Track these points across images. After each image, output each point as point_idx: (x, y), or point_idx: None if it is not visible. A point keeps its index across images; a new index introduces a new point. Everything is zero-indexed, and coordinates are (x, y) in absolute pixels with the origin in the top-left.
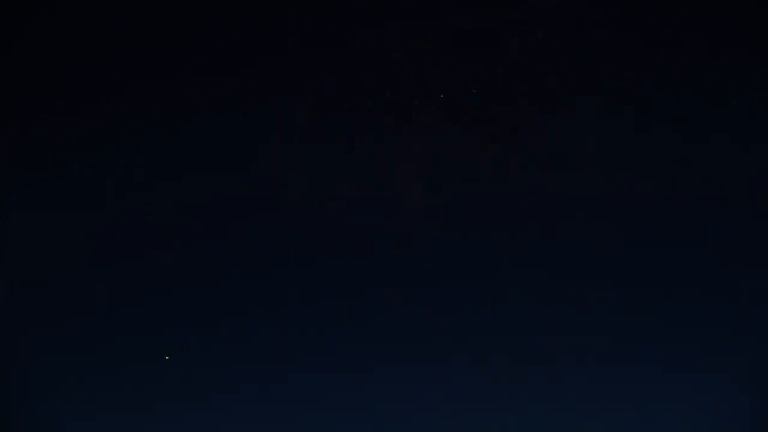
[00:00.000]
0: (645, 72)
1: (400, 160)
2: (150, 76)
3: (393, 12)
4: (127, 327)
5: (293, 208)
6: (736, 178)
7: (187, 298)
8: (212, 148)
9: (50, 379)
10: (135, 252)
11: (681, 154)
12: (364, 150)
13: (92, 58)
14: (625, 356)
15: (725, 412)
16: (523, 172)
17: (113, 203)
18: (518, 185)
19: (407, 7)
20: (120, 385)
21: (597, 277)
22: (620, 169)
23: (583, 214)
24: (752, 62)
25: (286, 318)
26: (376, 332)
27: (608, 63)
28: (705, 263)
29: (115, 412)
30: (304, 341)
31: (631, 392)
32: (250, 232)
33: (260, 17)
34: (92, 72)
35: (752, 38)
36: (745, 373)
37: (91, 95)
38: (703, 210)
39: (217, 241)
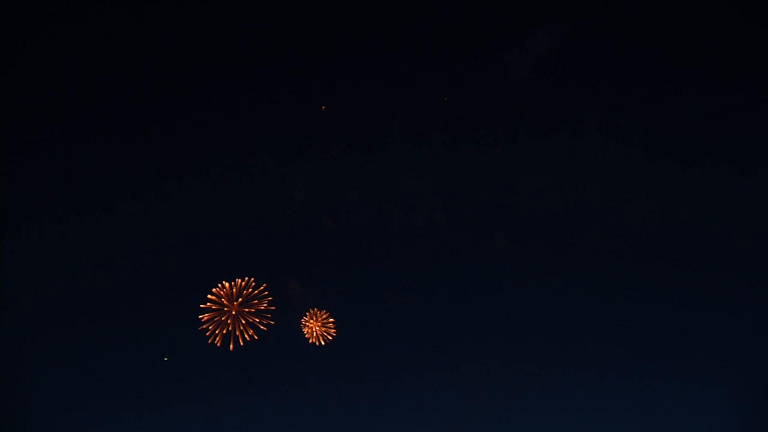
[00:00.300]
0: (648, 87)
1: (405, 168)
2: (151, 82)
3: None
4: (127, 328)
5: (296, 212)
6: (738, 190)
7: (187, 301)
8: (213, 152)
9: (50, 379)
10: (134, 254)
11: (685, 168)
12: (368, 155)
13: (93, 61)
14: (629, 362)
15: (725, 415)
16: (530, 179)
17: (113, 208)
18: (527, 193)
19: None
20: (119, 386)
21: (602, 286)
22: (626, 181)
23: (590, 225)
24: (754, 69)
25: (287, 320)
26: (378, 338)
27: (612, 77)
28: (705, 272)
29: (114, 412)
30: (306, 344)
31: (634, 397)
32: (254, 237)
33: (273, 29)
34: (93, 75)
35: (753, 48)
36: (743, 379)
37: (90, 99)
38: (706, 220)
39: (218, 244)
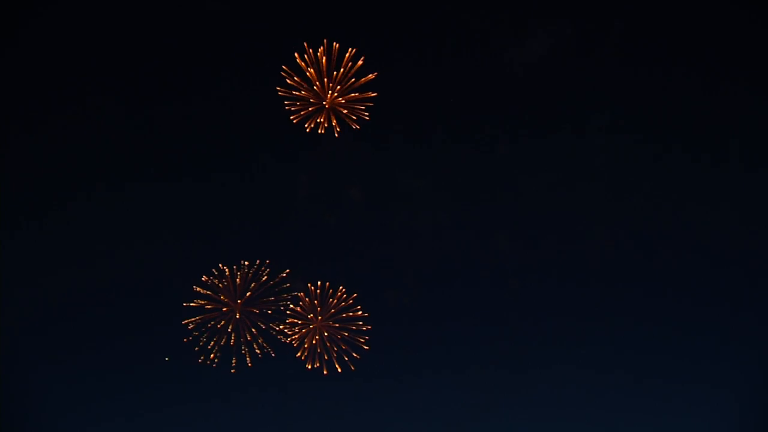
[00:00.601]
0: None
1: (409, 168)
2: (151, 82)
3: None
4: (128, 328)
5: (297, 211)
6: (741, 189)
7: (189, 301)
8: (213, 151)
9: (50, 380)
10: (136, 254)
11: (686, 167)
12: (370, 154)
13: (93, 61)
14: (631, 363)
15: (727, 416)
16: (535, 178)
17: (114, 207)
18: (531, 193)
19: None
20: (119, 386)
21: (605, 286)
22: (628, 181)
23: (592, 225)
24: (757, 68)
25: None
26: (379, 338)
27: (616, 80)
28: (707, 271)
29: (115, 412)
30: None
31: (637, 398)
32: (257, 236)
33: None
34: (93, 75)
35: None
36: (746, 379)
37: (90, 99)
38: (708, 219)
39: (220, 243)
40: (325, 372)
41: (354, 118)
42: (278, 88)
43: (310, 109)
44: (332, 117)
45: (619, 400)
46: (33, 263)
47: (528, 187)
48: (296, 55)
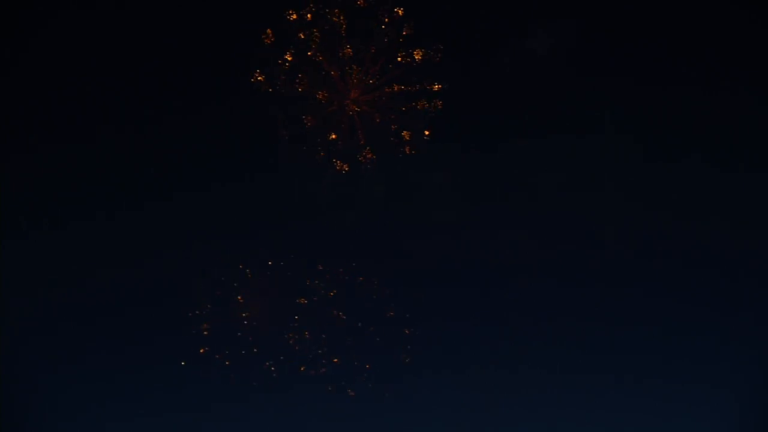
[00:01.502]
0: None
1: (420, 166)
2: (151, 82)
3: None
4: (131, 330)
5: (311, 215)
6: (741, 190)
7: (194, 303)
8: (216, 151)
9: (53, 382)
10: (140, 255)
11: (687, 168)
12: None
13: (93, 61)
14: (631, 364)
15: (727, 416)
16: (548, 177)
17: (120, 207)
18: (531, 196)
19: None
20: (120, 389)
21: (603, 287)
22: (630, 183)
23: (593, 225)
24: (757, 68)
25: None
26: (385, 337)
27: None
28: (706, 272)
29: (117, 414)
30: (315, 347)
31: (638, 398)
32: (266, 235)
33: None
34: (93, 75)
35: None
36: (745, 380)
37: (90, 99)
38: (709, 222)
39: (225, 244)
40: (351, 393)
41: (405, 137)
42: (257, 77)
43: (317, 117)
44: (359, 127)
45: (619, 400)
46: (33, 264)
47: (527, 187)
48: (290, 13)
